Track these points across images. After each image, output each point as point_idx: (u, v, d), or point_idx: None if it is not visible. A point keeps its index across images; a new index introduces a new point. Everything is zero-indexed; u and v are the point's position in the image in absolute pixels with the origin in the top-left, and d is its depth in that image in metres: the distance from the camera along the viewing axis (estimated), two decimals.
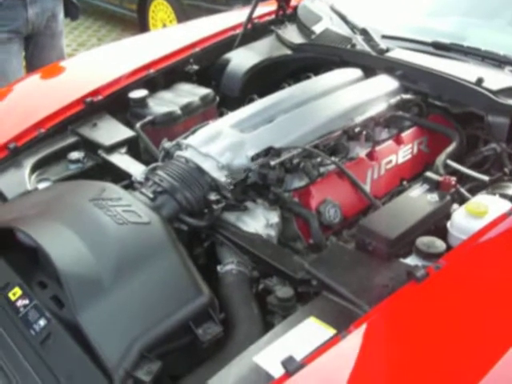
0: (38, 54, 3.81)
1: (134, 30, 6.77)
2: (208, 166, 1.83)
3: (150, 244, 1.58)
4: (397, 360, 1.26)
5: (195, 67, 2.66)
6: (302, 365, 1.22)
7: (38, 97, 2.50)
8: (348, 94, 2.17)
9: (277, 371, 1.24)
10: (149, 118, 2.30)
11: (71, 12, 4.02)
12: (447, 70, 2.18)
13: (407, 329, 1.33)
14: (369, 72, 2.37)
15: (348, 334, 1.28)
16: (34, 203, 1.83)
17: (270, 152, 1.83)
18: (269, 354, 1.31)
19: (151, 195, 1.77)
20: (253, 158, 1.83)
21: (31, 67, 3.81)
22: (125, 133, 2.26)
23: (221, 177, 1.81)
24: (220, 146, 1.88)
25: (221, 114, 2.34)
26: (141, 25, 6.78)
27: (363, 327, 1.30)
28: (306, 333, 1.35)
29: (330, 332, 1.33)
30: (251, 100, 2.34)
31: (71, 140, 2.27)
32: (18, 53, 3.68)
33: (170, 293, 1.49)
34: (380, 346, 1.29)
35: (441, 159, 1.95)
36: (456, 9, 2.58)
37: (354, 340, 1.28)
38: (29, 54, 3.81)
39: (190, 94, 2.46)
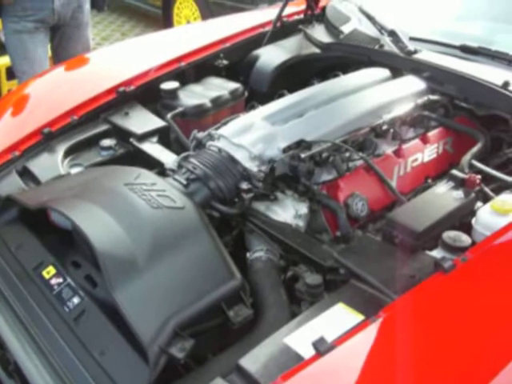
0: (65, 44, 3.88)
1: (157, 26, 6.82)
2: (240, 156, 1.88)
3: (184, 228, 1.62)
4: (423, 347, 1.29)
5: (225, 62, 2.69)
6: (332, 346, 1.25)
7: (71, 85, 2.54)
8: (376, 93, 2.21)
9: (307, 352, 1.27)
10: (179, 109, 2.34)
11: (98, 3, 4.10)
12: (474, 72, 2.20)
13: (434, 317, 1.36)
14: (396, 72, 2.40)
15: (377, 319, 1.31)
16: (68, 186, 1.86)
17: (300, 145, 1.88)
18: (299, 335, 1.34)
19: (184, 182, 1.81)
20: (284, 150, 1.88)
21: (57, 58, 3.88)
22: (156, 122, 2.30)
23: (252, 167, 1.85)
24: (252, 137, 1.92)
25: (252, 108, 2.38)
26: (165, 21, 6.81)
27: (392, 313, 1.34)
28: (335, 317, 1.38)
29: (359, 318, 1.36)
30: (281, 95, 2.36)
31: (103, 128, 2.31)
32: (44, 42, 3.75)
33: (203, 275, 1.53)
34: (408, 332, 1.31)
35: (466, 159, 1.97)
36: (484, 13, 2.60)
37: (384, 325, 1.31)
38: (55, 44, 3.88)
39: (219, 87, 2.50)
